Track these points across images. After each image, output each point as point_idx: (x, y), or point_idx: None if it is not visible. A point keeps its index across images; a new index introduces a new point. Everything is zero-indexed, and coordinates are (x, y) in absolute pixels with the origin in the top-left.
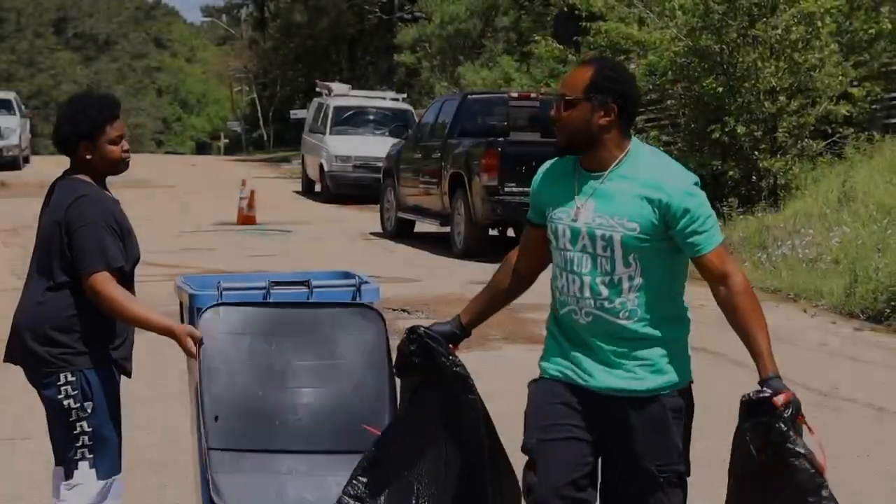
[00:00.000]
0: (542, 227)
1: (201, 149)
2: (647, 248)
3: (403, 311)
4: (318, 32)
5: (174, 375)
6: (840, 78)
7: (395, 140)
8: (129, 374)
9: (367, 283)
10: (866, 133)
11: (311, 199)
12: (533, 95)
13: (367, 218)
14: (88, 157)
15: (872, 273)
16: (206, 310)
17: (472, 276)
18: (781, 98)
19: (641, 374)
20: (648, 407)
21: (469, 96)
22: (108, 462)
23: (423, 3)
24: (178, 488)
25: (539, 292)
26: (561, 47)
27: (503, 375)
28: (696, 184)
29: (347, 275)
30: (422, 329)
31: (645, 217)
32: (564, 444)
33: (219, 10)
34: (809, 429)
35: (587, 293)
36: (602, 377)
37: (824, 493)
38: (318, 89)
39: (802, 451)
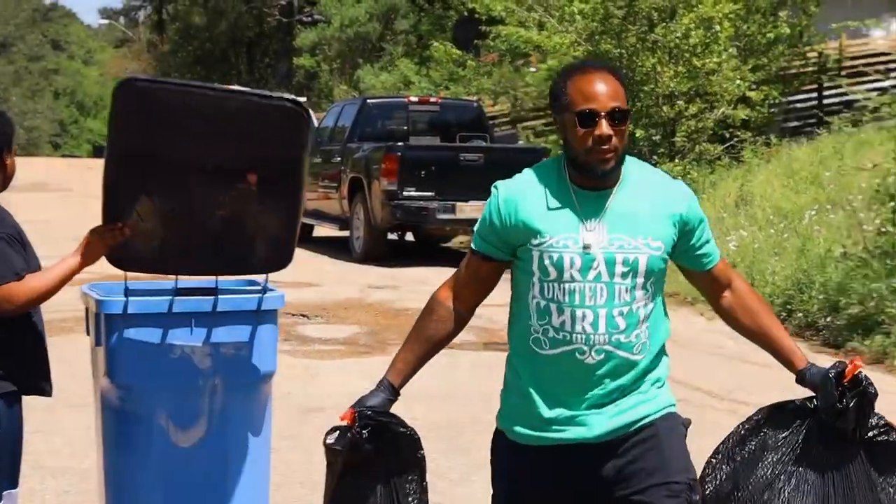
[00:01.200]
0: (499, 262)
1: (98, 152)
2: (662, 271)
3: (303, 315)
4: (217, 35)
5: (77, 381)
6: (738, 82)
7: None
8: (45, 394)
9: (272, 290)
10: (764, 137)
11: None
12: (433, 100)
13: None
14: (8, 162)
15: (769, 277)
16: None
17: (371, 281)
18: (680, 102)
19: (627, 407)
20: (639, 434)
21: (369, 101)
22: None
23: (322, 6)
24: (80, 494)
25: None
26: (459, 52)
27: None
28: None
29: (251, 282)
30: (368, 411)
31: (667, 234)
32: None
33: (117, 13)
34: None
35: (601, 328)
36: (597, 423)
37: None
38: None
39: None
